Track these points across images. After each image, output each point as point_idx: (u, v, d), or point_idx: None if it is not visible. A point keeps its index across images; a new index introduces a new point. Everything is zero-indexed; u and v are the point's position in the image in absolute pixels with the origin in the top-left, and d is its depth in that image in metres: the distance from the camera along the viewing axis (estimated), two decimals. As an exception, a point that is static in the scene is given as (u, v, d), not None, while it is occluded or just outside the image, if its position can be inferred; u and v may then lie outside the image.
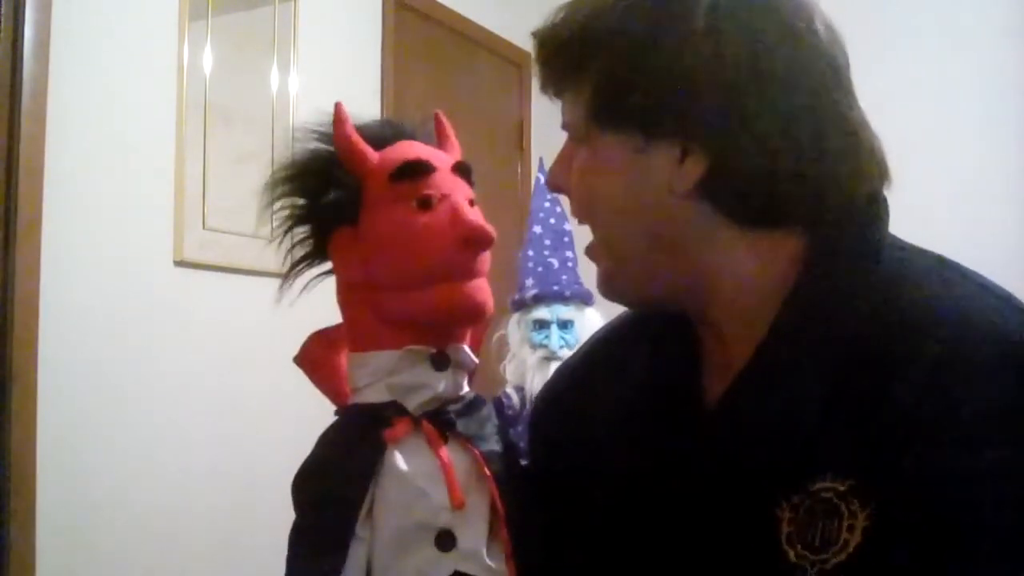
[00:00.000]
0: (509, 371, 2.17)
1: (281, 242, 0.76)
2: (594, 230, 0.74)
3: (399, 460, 0.69)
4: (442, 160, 0.75)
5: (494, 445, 0.74)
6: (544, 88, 0.75)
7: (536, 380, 2.07)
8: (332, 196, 0.73)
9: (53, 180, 1.91)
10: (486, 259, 0.74)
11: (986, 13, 3.00)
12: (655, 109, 0.67)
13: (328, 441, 0.74)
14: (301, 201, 0.75)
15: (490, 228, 0.72)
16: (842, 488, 0.61)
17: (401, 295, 0.72)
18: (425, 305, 0.71)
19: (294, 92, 2.51)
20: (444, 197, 0.72)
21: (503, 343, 2.19)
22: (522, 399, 2.11)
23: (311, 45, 2.58)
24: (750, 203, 0.68)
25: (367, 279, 0.73)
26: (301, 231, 0.76)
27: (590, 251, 0.75)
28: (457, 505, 0.68)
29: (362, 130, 0.75)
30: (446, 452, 0.71)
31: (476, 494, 0.71)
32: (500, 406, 2.06)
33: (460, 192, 0.74)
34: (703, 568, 0.68)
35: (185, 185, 2.20)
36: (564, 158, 0.74)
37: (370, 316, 0.74)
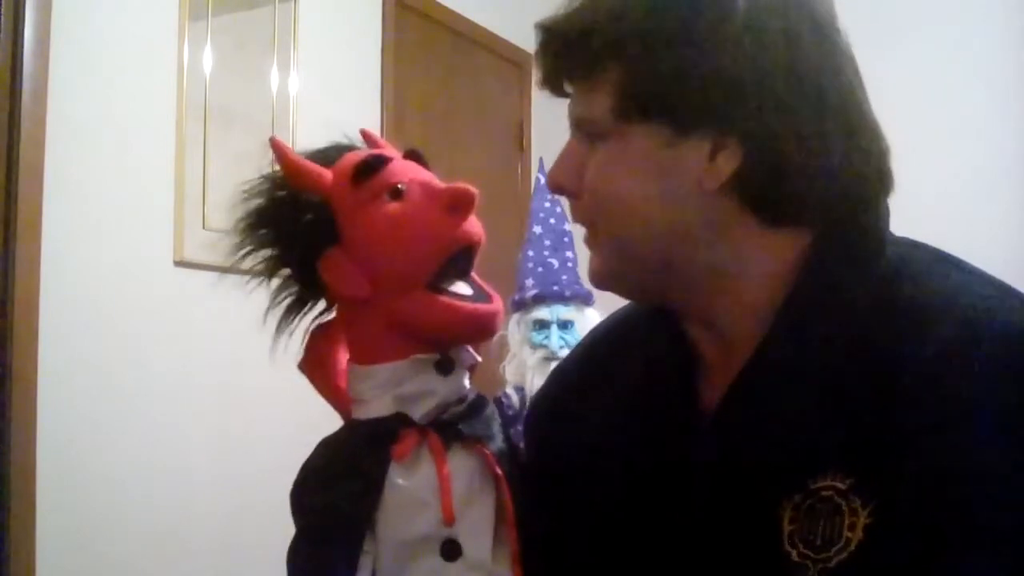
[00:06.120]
0: (509, 371, 2.16)
1: (270, 304, 0.75)
2: (606, 229, 0.71)
3: (401, 473, 0.69)
4: (392, 151, 0.75)
5: (502, 444, 0.74)
6: (547, 81, 0.72)
7: (536, 380, 2.07)
8: (305, 220, 0.72)
9: (53, 180, 1.91)
10: (493, 290, 0.74)
11: (986, 12, 3.00)
12: (693, 103, 0.65)
13: (331, 455, 0.72)
14: (274, 246, 0.74)
15: (470, 186, 0.71)
16: (843, 486, 0.61)
17: (411, 298, 0.70)
18: (439, 318, 0.71)
19: (294, 92, 2.51)
20: (410, 181, 0.72)
21: (503, 343, 2.18)
22: (522, 399, 2.10)
23: (311, 45, 2.58)
24: (778, 200, 0.67)
25: (373, 288, 0.71)
26: (284, 274, 0.74)
27: (590, 242, 0.73)
28: (448, 521, 0.68)
29: (306, 157, 0.75)
30: (448, 463, 0.70)
31: (482, 498, 0.70)
32: (500, 406, 2.04)
33: (422, 174, 0.74)
34: (705, 571, 0.67)
35: (185, 185, 2.20)
36: (569, 157, 0.72)
37: (376, 328, 0.72)
